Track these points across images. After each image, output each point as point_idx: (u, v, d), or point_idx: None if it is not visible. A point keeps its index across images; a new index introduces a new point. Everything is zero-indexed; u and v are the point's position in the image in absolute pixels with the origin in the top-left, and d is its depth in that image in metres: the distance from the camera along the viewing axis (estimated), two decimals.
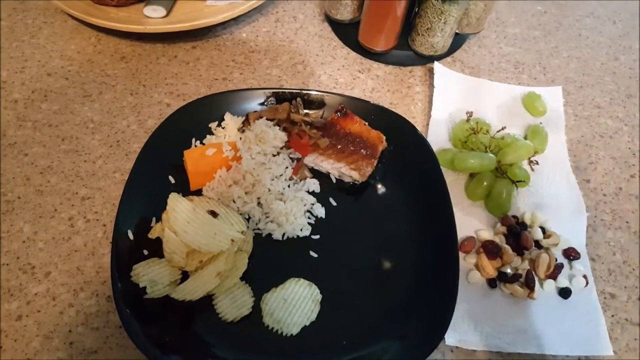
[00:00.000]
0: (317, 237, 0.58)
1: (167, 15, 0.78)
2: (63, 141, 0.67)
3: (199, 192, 0.60)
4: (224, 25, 0.82)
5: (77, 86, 0.73)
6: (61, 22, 0.82)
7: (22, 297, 0.53)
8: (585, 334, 0.54)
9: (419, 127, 0.69)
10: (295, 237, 0.58)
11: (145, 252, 0.54)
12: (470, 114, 0.70)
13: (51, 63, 0.76)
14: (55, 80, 0.74)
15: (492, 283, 0.57)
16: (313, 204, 0.60)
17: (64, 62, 0.76)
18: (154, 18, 0.77)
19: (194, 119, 0.64)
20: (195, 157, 0.60)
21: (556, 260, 0.58)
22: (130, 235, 0.54)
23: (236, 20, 0.83)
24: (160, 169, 0.60)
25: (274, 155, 0.63)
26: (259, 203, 0.60)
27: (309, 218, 0.59)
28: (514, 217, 0.62)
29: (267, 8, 0.87)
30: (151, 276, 0.51)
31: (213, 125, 0.65)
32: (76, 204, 0.61)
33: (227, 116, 0.65)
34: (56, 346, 0.51)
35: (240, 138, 0.62)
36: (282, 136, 0.63)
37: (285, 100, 0.67)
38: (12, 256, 0.56)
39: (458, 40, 0.83)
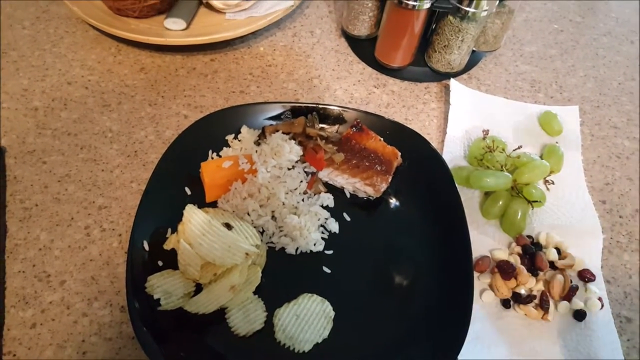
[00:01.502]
0: (331, 252, 0.58)
1: (187, 28, 0.79)
2: (81, 150, 0.67)
3: (214, 204, 0.60)
4: (242, 38, 0.83)
5: (97, 95, 0.74)
6: (82, 32, 0.83)
7: (37, 305, 0.54)
8: (601, 358, 0.53)
9: (434, 144, 0.69)
10: (308, 251, 0.58)
11: (160, 263, 0.54)
12: (486, 131, 0.70)
13: (72, 72, 0.77)
14: (75, 89, 0.75)
15: (506, 303, 0.56)
16: (327, 219, 0.60)
17: (84, 72, 0.77)
18: (174, 30, 0.78)
19: (211, 131, 0.65)
20: (212, 169, 0.60)
21: (571, 282, 0.57)
22: (146, 246, 0.54)
23: (254, 34, 0.84)
24: (176, 180, 0.61)
25: (289, 169, 0.63)
26: (273, 216, 0.60)
27: (322, 233, 0.59)
28: (529, 237, 0.61)
29: (285, 22, 0.88)
30: (165, 288, 0.51)
31: (230, 137, 0.66)
32: (93, 212, 0.61)
33: (244, 129, 0.66)
34: (69, 355, 0.51)
35: (256, 151, 0.63)
36: (298, 150, 0.63)
37: (301, 114, 0.68)
38: (28, 263, 0.57)
39: (474, 58, 0.83)
